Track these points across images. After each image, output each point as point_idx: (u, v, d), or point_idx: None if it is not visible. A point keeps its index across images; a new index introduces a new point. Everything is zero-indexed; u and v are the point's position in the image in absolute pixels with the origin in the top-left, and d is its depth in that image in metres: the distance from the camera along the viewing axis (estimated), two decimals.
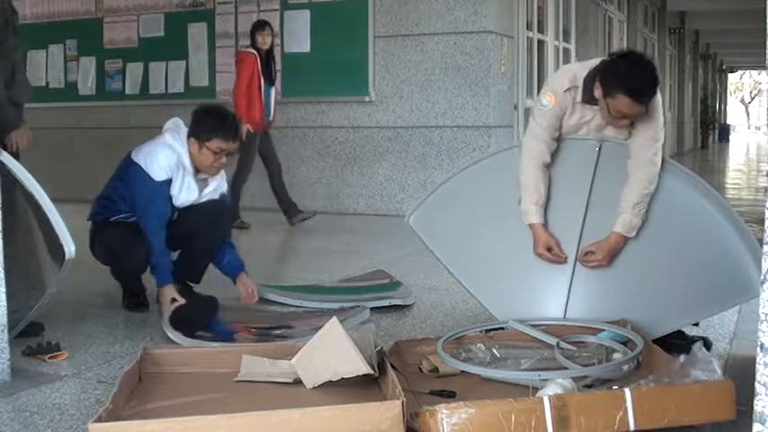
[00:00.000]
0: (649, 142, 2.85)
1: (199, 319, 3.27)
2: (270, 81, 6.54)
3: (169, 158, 3.37)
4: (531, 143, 2.96)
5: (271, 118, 6.64)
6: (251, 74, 6.36)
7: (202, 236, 3.51)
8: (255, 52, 6.42)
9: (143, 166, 3.36)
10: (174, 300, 3.32)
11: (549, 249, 2.91)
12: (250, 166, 6.53)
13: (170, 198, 3.44)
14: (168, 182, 3.39)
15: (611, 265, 2.89)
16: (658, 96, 2.86)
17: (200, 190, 3.50)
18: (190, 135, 3.42)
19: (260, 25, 6.55)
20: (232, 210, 6.45)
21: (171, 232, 3.50)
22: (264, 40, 6.46)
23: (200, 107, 3.53)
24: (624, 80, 2.73)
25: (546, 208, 2.95)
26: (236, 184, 6.42)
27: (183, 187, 3.44)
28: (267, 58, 6.51)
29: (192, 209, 3.51)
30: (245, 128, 6.30)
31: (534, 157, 2.94)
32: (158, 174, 3.36)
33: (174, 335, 3.08)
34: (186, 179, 3.44)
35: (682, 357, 2.21)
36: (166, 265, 3.41)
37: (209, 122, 3.41)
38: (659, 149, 2.86)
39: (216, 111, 3.52)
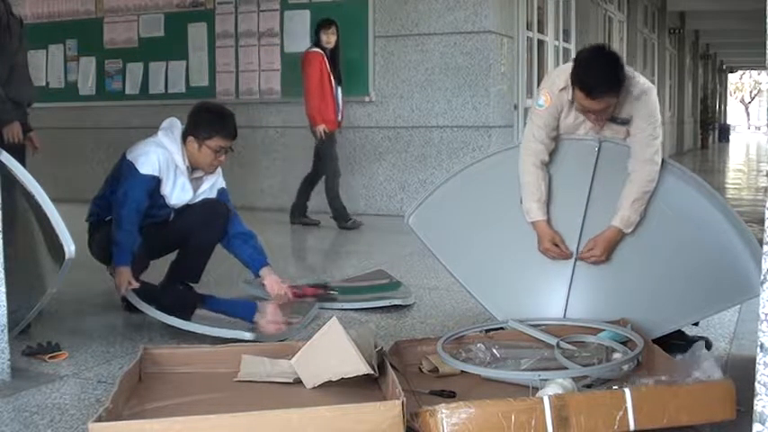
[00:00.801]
0: (648, 140, 2.86)
1: (191, 302, 3.35)
2: (338, 80, 6.48)
3: (159, 157, 3.35)
4: (528, 143, 2.98)
5: (340, 117, 6.58)
6: (320, 73, 6.29)
7: (199, 235, 3.51)
8: (321, 51, 6.35)
9: (132, 161, 3.36)
10: (129, 283, 3.26)
11: (555, 245, 2.92)
12: (335, 164, 6.51)
13: (158, 196, 3.39)
14: (155, 178, 3.35)
15: (611, 266, 2.89)
16: (651, 95, 2.87)
17: (195, 189, 3.50)
18: (188, 134, 3.40)
19: (325, 24, 6.43)
20: (338, 211, 6.45)
21: (167, 232, 3.51)
22: (329, 39, 6.37)
23: (198, 106, 3.52)
24: (578, 74, 2.79)
25: (547, 207, 2.95)
26: (329, 185, 6.46)
27: (175, 187, 3.42)
28: (333, 56, 6.44)
29: (187, 208, 3.50)
30: (321, 128, 6.29)
31: (532, 156, 2.95)
32: (144, 168, 3.32)
33: (170, 320, 3.08)
34: (179, 179, 3.42)
35: (681, 357, 2.21)
36: (129, 246, 3.31)
37: (209, 121, 3.40)
38: (659, 147, 2.87)
39: (215, 109, 3.53)
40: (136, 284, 3.28)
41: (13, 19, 3.81)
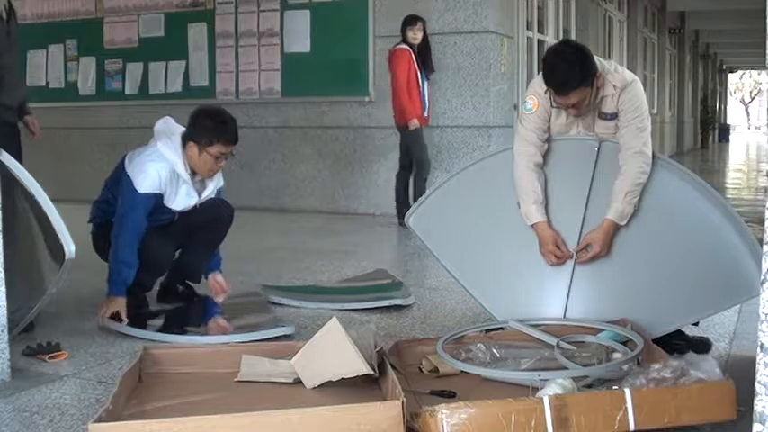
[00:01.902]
0: (636, 132, 2.87)
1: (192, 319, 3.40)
2: (426, 76, 6.50)
3: (160, 172, 3.29)
4: (520, 147, 2.99)
5: (426, 114, 6.58)
6: (408, 70, 6.30)
7: (202, 236, 3.51)
8: (409, 48, 6.37)
9: (131, 177, 3.30)
10: (118, 316, 3.21)
11: (557, 246, 2.91)
12: (426, 159, 6.49)
13: (161, 205, 3.39)
14: (155, 195, 3.32)
15: (611, 266, 2.89)
16: (635, 86, 2.89)
17: (200, 193, 3.48)
18: (189, 139, 3.34)
19: (411, 20, 6.46)
20: (401, 205, 6.35)
21: (171, 233, 3.50)
22: (415, 35, 6.40)
23: (199, 110, 3.45)
24: (545, 75, 2.86)
25: (545, 208, 2.95)
26: (418, 182, 6.43)
27: (178, 197, 3.39)
28: (420, 52, 6.46)
29: (191, 210, 3.50)
30: (414, 122, 6.28)
31: (525, 159, 2.96)
32: (143, 186, 3.28)
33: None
34: (182, 188, 3.38)
35: (681, 357, 2.21)
36: (126, 278, 3.29)
37: (210, 126, 3.33)
38: (648, 138, 2.88)
39: (216, 114, 3.43)
40: (125, 320, 3.22)
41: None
